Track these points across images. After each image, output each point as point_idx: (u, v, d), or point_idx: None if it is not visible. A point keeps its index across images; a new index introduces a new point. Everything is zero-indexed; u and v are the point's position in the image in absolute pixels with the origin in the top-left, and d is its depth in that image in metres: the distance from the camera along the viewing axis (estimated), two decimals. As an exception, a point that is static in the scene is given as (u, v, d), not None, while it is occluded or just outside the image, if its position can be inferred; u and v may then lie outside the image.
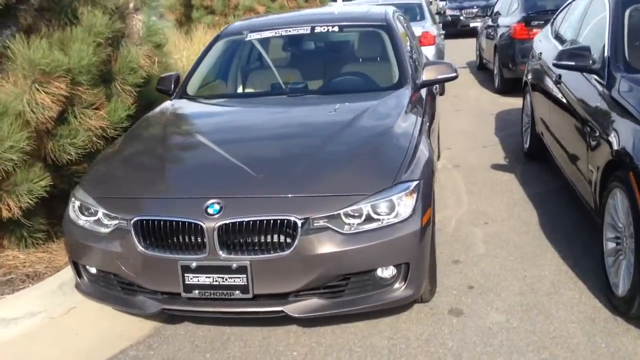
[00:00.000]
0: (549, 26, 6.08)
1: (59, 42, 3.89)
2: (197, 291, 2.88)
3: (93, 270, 3.20)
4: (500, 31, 9.69)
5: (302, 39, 4.75)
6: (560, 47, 4.93)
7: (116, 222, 3.01)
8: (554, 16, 6.05)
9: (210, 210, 2.84)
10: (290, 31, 4.55)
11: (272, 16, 6.06)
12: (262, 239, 2.81)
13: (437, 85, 5.44)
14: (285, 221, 2.80)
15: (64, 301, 3.62)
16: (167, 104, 4.20)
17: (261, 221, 2.80)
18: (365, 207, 2.89)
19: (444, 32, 11.95)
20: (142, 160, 3.39)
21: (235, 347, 3.15)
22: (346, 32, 4.63)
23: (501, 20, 9.95)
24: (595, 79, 3.90)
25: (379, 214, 2.91)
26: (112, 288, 3.17)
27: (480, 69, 12.02)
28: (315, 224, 2.83)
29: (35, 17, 3.91)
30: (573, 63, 4.01)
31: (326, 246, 2.82)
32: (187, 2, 9.99)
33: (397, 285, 2.98)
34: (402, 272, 2.97)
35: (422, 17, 9.89)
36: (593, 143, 3.65)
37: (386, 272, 2.97)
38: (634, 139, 3.08)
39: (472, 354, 2.96)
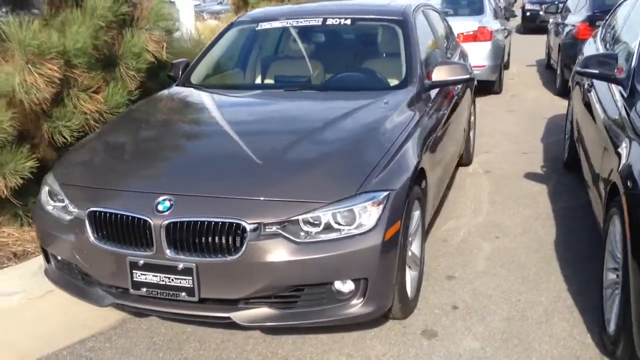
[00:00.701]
0: (600, 28, 5.61)
1: (60, 24, 3.87)
2: (144, 289, 2.78)
3: (59, 257, 3.16)
4: (565, 29, 9.12)
5: (311, 32, 4.56)
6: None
7: (76, 211, 2.96)
8: (606, 17, 5.57)
9: (160, 207, 2.73)
10: (300, 22, 4.36)
11: (291, 6, 5.85)
12: (210, 242, 2.67)
13: (467, 86, 5.12)
14: (234, 225, 2.65)
15: (43, 284, 3.61)
16: (164, 92, 4.12)
17: (209, 223, 2.66)
18: (325, 216, 2.70)
19: (511, 27, 11.39)
20: (111, 149, 3.32)
21: (190, 349, 3.04)
22: (359, 25, 4.39)
23: (569, 18, 9.36)
24: (620, 91, 3.52)
25: (340, 224, 2.72)
26: (74, 277, 3.12)
27: (548, 69, 11.43)
28: (267, 230, 2.67)
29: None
30: (597, 71, 3.63)
31: (276, 254, 2.65)
32: (245, -13, 10.01)
33: (354, 301, 2.78)
34: (360, 288, 2.76)
35: (482, 11, 9.40)
36: (604, 161, 3.30)
37: (345, 286, 2.78)
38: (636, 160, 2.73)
39: (430, 383, 2.73)
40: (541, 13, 18.53)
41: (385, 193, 2.80)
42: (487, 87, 9.45)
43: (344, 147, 3.09)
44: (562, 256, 3.90)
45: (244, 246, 2.64)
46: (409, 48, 4.03)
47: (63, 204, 3.07)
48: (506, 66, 11.85)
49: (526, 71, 11.95)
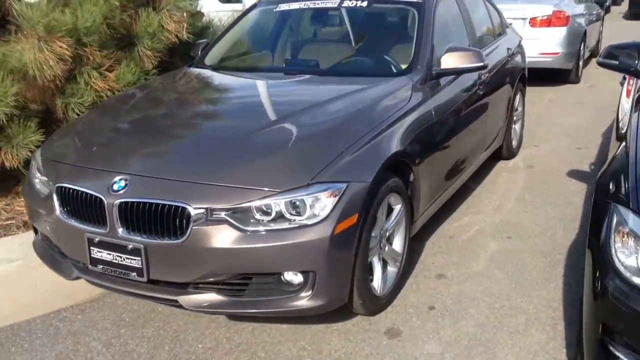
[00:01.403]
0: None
1: (77, 3, 3.99)
2: (100, 266, 2.83)
3: (39, 230, 3.28)
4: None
5: (326, 14, 4.43)
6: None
7: (51, 185, 3.06)
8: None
9: (115, 186, 2.76)
10: (317, 4, 4.24)
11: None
12: (159, 224, 2.68)
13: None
14: (180, 208, 2.63)
15: (42, 253, 3.79)
16: (172, 73, 4.16)
17: (157, 205, 2.66)
18: (276, 205, 2.63)
19: (600, 11, 10.62)
20: (91, 128, 3.38)
21: (151, 328, 3.08)
22: (375, 8, 4.21)
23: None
24: None
25: (292, 214, 2.64)
26: (53, 249, 3.23)
27: (641, 58, 10.56)
28: (214, 216, 2.63)
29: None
30: (616, 62, 3.30)
31: (221, 240, 2.61)
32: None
33: (303, 293, 2.70)
34: (309, 280, 2.68)
35: (558, -6, 8.80)
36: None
37: (295, 277, 2.70)
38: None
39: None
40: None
41: (343, 185, 2.69)
42: (562, 76, 8.91)
43: (313, 133, 2.99)
44: (570, 262, 3.61)
45: (189, 230, 2.62)
46: (421, 33, 3.83)
47: (45, 179, 3.18)
48: (594, 54, 11.11)
49: (615, 60, 11.11)
